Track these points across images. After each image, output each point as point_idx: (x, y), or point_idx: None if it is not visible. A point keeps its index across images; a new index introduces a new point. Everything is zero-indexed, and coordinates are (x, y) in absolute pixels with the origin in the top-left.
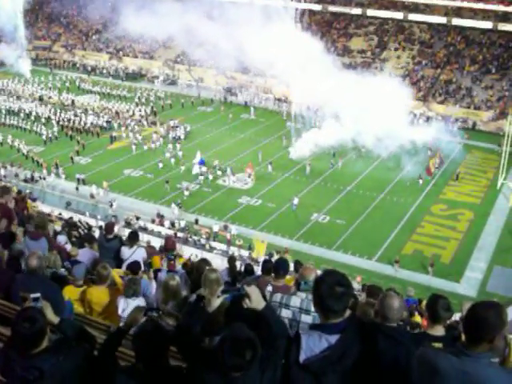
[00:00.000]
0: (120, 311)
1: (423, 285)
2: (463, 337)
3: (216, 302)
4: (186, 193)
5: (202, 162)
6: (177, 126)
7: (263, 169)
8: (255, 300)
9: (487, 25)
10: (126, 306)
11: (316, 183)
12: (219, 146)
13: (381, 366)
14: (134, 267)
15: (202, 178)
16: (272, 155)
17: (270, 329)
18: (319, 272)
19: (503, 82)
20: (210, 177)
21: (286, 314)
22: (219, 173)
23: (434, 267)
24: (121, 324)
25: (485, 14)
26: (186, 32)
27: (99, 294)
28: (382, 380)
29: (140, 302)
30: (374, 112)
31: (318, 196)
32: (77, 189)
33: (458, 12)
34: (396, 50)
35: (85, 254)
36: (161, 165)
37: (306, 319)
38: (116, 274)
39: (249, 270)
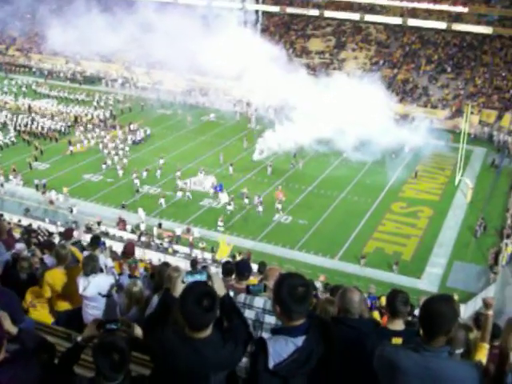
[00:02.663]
0: (81, 290)
1: (385, 282)
2: (421, 332)
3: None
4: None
5: (220, 188)
6: (136, 130)
7: (224, 171)
8: (218, 287)
9: (441, 25)
10: (86, 284)
11: (277, 184)
12: (180, 148)
13: (349, 358)
14: None
15: (230, 207)
16: (233, 157)
17: (230, 313)
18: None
19: (458, 81)
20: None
21: (249, 314)
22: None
23: (399, 265)
24: (78, 338)
25: (439, 15)
26: (144, 34)
27: (58, 276)
28: (351, 371)
29: (101, 277)
30: (337, 112)
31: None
32: (43, 193)
33: (413, 13)
34: (354, 50)
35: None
36: (121, 172)
37: (270, 320)
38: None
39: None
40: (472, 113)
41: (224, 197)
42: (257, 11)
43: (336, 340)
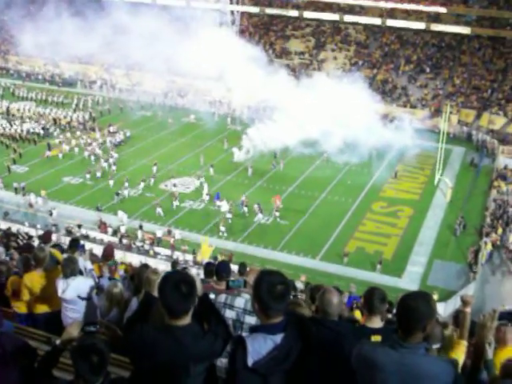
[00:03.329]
0: (60, 293)
1: (367, 281)
2: (398, 329)
3: None
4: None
5: (217, 197)
6: (116, 132)
7: (205, 172)
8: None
9: (420, 25)
10: (65, 287)
11: (258, 185)
12: (160, 150)
13: (327, 359)
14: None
15: (229, 215)
16: (214, 158)
17: (208, 313)
18: None
19: (437, 80)
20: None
21: (230, 314)
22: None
23: (382, 265)
24: (57, 342)
25: (418, 15)
26: (122, 36)
27: (37, 278)
28: (329, 372)
29: (80, 280)
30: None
31: (261, 197)
32: (24, 195)
33: (392, 13)
34: (333, 51)
35: None
36: (99, 174)
37: (250, 320)
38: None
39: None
40: (451, 112)
41: (224, 205)
42: (232, 12)
43: (314, 337)
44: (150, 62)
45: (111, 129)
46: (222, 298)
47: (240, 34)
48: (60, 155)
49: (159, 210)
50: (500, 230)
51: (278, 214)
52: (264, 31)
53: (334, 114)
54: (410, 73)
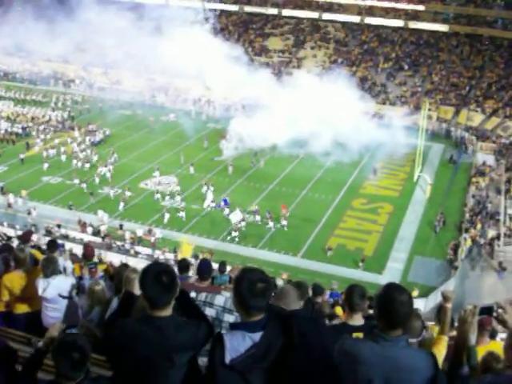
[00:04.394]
0: (40, 292)
1: (348, 278)
2: (379, 323)
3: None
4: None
5: (226, 203)
6: (95, 131)
7: (185, 171)
8: None
9: (398, 23)
10: (46, 286)
11: (239, 183)
12: (140, 149)
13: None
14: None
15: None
16: (194, 157)
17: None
18: None
19: (416, 78)
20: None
21: (209, 312)
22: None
23: (365, 262)
24: (39, 344)
25: (396, 13)
26: (98, 34)
27: (16, 279)
28: (307, 368)
29: (61, 279)
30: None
31: (242, 195)
32: (4, 193)
33: (371, 11)
34: (312, 48)
35: None
36: (76, 181)
37: (229, 319)
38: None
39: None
40: (430, 109)
41: (237, 215)
42: (207, 9)
43: (296, 334)
44: (127, 60)
45: (90, 127)
46: (203, 296)
47: (219, 32)
48: (38, 155)
49: (91, 197)
50: (479, 226)
51: (285, 222)
52: (243, 29)
53: (316, 111)
54: (389, 70)
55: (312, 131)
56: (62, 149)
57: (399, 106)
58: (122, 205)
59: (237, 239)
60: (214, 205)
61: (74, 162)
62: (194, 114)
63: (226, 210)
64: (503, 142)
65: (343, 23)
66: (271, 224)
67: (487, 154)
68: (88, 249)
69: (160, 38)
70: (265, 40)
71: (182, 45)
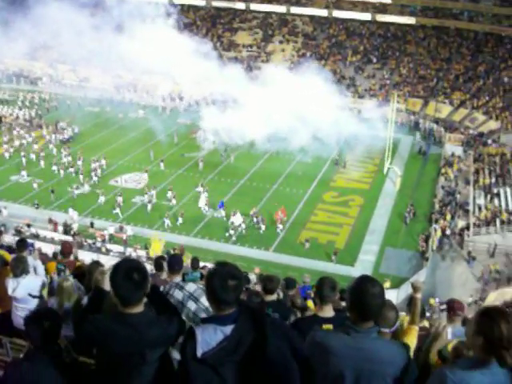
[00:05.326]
0: (10, 291)
1: (320, 271)
2: (351, 315)
3: None
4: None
5: (221, 205)
6: (64, 129)
7: (155, 167)
8: None
9: (366, 16)
10: (15, 285)
11: (210, 178)
12: (109, 146)
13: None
14: None
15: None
16: (164, 153)
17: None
18: None
19: (384, 70)
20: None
21: (177, 294)
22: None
23: (338, 255)
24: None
25: (363, 6)
26: (67, 31)
27: None
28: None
29: (30, 278)
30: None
31: (213, 191)
32: None
33: (338, 4)
34: (281, 42)
35: None
36: (36, 186)
37: (192, 306)
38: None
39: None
40: (398, 102)
41: (238, 218)
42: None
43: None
44: (94, 57)
45: (59, 125)
46: (177, 278)
47: (187, 27)
48: (6, 154)
49: (52, 195)
50: (449, 217)
51: (281, 226)
52: (211, 24)
53: (290, 106)
54: (357, 63)
55: (284, 126)
56: (34, 147)
57: (368, 98)
58: (102, 198)
59: (234, 238)
60: (207, 208)
61: (42, 161)
62: (163, 110)
63: (222, 213)
64: (471, 133)
65: (311, 17)
66: (263, 227)
67: (455, 145)
68: (66, 245)
69: (123, 34)
70: (233, 35)
71: (148, 41)
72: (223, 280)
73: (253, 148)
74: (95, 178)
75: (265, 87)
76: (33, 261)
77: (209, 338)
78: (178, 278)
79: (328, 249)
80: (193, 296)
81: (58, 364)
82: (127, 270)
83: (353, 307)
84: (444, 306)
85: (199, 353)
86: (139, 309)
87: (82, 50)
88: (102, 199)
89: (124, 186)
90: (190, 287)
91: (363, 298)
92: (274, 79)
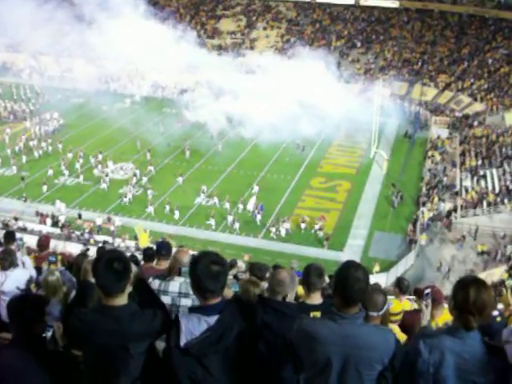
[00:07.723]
0: None
1: (309, 257)
2: (335, 301)
3: None
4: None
5: (261, 208)
6: (48, 120)
7: (142, 156)
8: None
9: (350, 1)
10: (3, 279)
11: (197, 167)
12: (95, 136)
13: (265, 340)
14: None
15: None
16: (150, 142)
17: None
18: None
19: (368, 55)
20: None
21: (165, 300)
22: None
23: (329, 241)
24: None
25: None
26: (48, 23)
27: None
28: (266, 353)
29: (19, 272)
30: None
31: (201, 179)
32: None
33: None
34: (265, 29)
35: None
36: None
37: (186, 302)
38: None
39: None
40: (383, 86)
41: (251, 204)
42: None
43: (257, 320)
44: (77, 48)
45: (43, 117)
46: (156, 284)
47: (171, 15)
48: None
49: (22, 182)
50: (436, 199)
51: (321, 233)
52: (194, 12)
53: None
54: (342, 48)
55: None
56: (21, 138)
57: (353, 83)
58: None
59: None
60: (256, 212)
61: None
62: (149, 100)
63: (258, 216)
64: (456, 116)
65: (295, 2)
66: (259, 217)
67: (441, 127)
68: (43, 239)
69: (109, 24)
70: (216, 22)
71: (129, 30)
72: (206, 266)
73: (238, 135)
74: (81, 170)
75: (252, 74)
76: (21, 256)
77: (192, 328)
78: (165, 264)
79: (317, 235)
80: (182, 293)
81: (40, 352)
82: (108, 259)
83: (337, 292)
84: (428, 290)
85: (182, 342)
86: (122, 301)
87: (65, 41)
88: (104, 186)
89: (111, 176)
90: (173, 287)
91: (346, 283)
92: (261, 65)
